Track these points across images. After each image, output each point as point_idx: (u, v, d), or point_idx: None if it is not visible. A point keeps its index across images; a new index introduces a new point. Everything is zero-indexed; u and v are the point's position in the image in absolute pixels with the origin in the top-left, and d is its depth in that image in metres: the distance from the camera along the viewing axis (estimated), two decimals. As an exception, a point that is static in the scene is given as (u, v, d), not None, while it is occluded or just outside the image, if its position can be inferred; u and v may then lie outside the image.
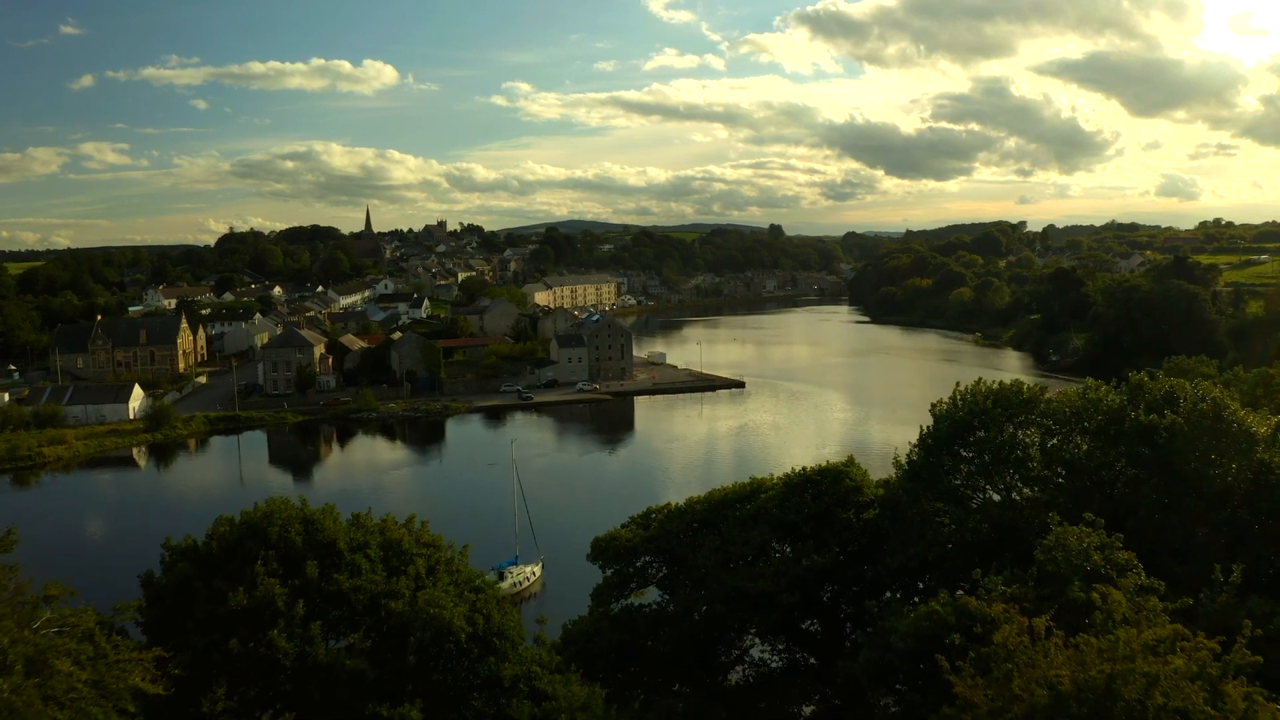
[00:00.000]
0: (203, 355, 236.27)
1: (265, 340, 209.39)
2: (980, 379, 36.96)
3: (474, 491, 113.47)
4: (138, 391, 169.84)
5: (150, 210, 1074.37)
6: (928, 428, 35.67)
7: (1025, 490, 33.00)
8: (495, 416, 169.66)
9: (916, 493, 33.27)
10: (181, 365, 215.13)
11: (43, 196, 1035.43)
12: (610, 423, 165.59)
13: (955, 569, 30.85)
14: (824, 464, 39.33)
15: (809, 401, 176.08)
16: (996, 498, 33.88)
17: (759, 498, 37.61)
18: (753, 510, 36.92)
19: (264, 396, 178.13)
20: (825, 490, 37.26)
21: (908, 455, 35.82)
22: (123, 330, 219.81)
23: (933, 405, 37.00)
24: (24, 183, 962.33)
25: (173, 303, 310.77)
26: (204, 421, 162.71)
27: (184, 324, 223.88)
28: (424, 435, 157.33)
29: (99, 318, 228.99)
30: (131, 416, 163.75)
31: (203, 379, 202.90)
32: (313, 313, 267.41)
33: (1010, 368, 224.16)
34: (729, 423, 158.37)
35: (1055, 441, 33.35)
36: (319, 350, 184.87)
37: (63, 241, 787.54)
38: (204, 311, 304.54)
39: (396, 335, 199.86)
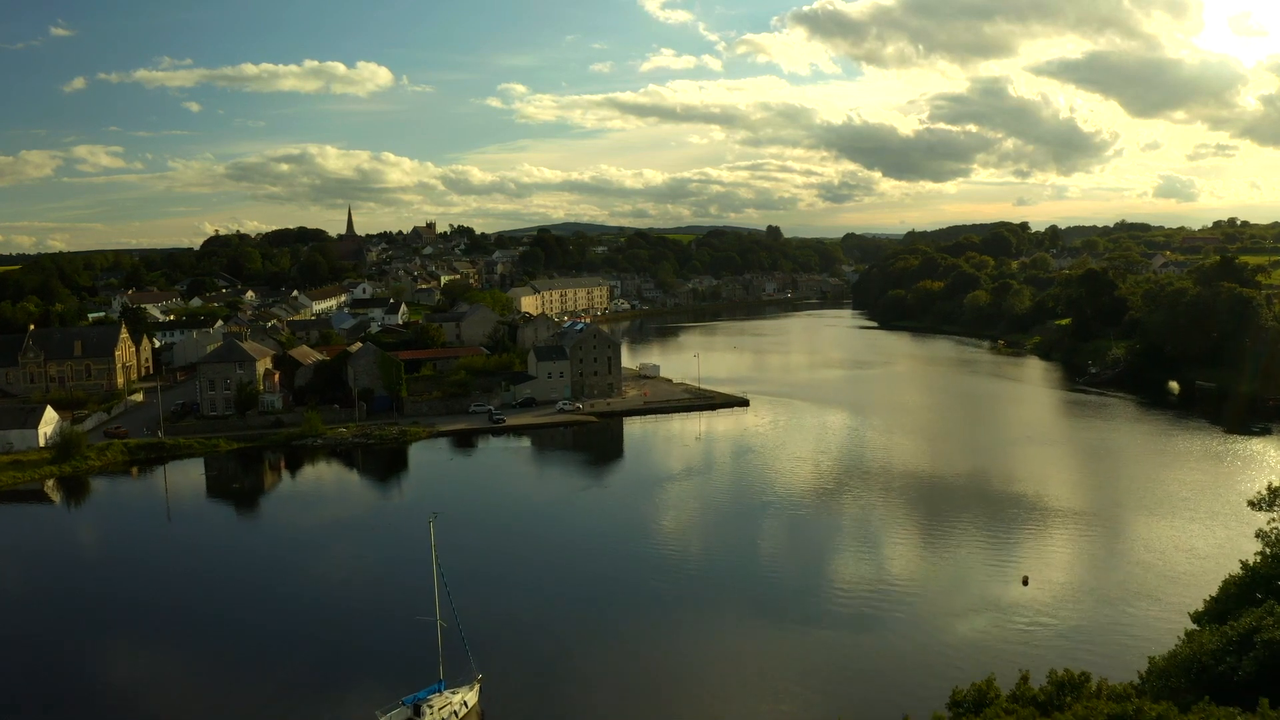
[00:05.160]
0: (147, 368, 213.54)
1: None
2: None
3: (398, 559, 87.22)
4: (50, 414, 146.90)
5: (146, 214, 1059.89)
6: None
7: None
8: (463, 442, 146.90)
9: None
10: (120, 380, 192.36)
11: (38, 200, 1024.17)
12: (594, 450, 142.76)
13: None
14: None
15: (825, 423, 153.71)
16: None
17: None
18: None
19: (200, 419, 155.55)
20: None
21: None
22: (56, 341, 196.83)
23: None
24: (18, 186, 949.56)
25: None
26: (122, 450, 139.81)
27: (124, 334, 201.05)
28: (376, 467, 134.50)
29: (31, 327, 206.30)
30: (42, 444, 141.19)
31: (138, 396, 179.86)
32: (274, 321, 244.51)
33: (1038, 380, 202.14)
34: (734, 451, 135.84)
35: None
36: (263, 365, 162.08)
37: (58, 245, 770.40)
38: (169, 318, 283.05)
39: (356, 346, 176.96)
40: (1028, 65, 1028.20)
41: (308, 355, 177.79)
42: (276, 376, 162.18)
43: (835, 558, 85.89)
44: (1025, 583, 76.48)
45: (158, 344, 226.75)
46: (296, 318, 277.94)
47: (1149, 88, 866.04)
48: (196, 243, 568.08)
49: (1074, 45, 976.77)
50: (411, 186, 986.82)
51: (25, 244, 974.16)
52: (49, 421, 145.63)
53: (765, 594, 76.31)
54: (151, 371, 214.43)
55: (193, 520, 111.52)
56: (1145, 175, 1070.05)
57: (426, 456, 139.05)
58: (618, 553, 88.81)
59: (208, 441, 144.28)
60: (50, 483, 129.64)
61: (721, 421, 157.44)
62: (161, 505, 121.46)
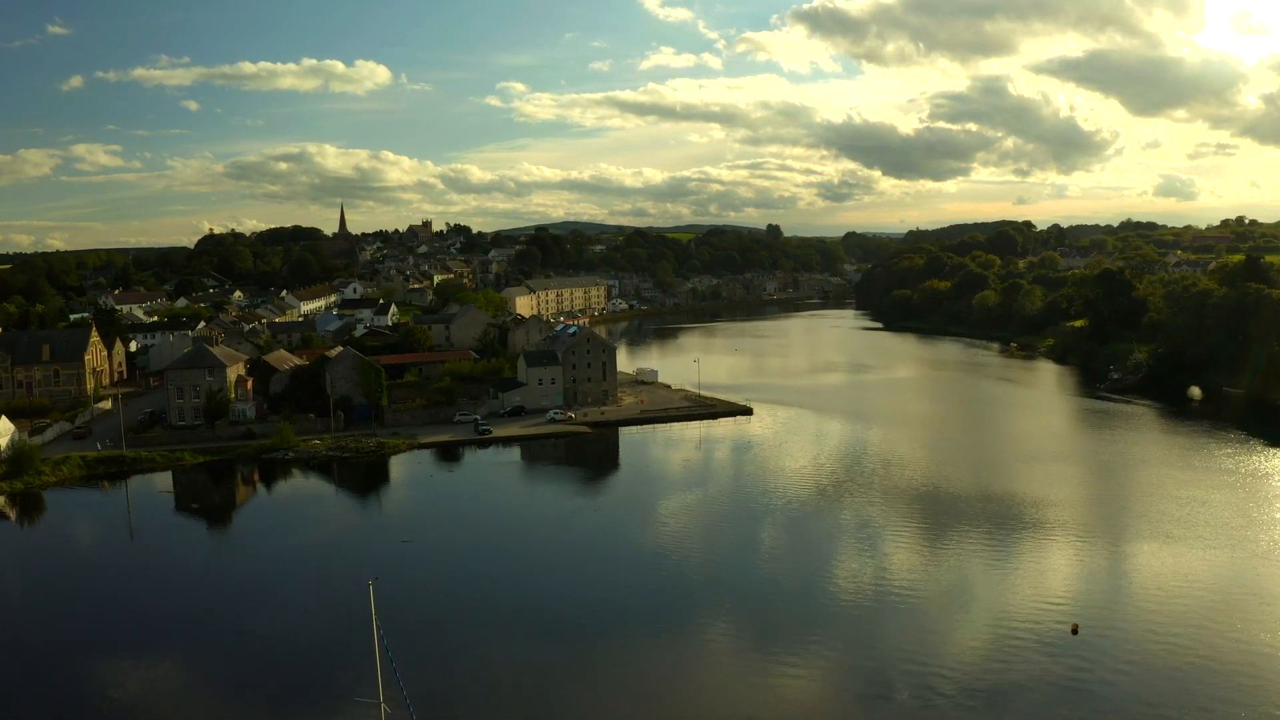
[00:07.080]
0: (121, 373, 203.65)
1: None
2: None
3: (346, 613, 70.03)
4: (5, 424, 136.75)
5: (144, 213, 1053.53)
6: None
7: None
8: (447, 455, 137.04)
9: None
10: (90, 385, 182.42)
11: (37, 199, 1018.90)
12: (588, 465, 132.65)
13: None
14: None
15: (835, 436, 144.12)
16: None
17: None
18: None
19: (167, 429, 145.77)
20: None
21: None
22: (24, 345, 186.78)
23: None
24: (17, 185, 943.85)
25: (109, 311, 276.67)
26: (80, 464, 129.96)
27: (94, 337, 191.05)
28: (350, 483, 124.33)
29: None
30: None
31: (106, 404, 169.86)
32: (255, 323, 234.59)
33: (1056, 386, 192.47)
34: (738, 466, 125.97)
35: None
36: (235, 371, 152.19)
37: (57, 244, 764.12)
38: (153, 319, 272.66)
39: (337, 351, 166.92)
40: (1028, 64, 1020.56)
41: (284, 360, 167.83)
42: (249, 383, 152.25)
43: (857, 600, 75.94)
44: (1075, 631, 66.69)
45: (135, 347, 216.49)
46: (282, 319, 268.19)
47: (1150, 86, 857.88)
48: (194, 242, 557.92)
49: (1075, 43, 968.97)
50: (411, 185, 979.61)
51: (24, 243, 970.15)
52: (4, 432, 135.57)
53: (773, 644, 66.51)
54: (125, 376, 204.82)
55: (127, 554, 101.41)
56: (1145, 174, 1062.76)
57: (406, 472, 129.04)
58: (608, 592, 78.39)
59: (172, 454, 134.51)
60: (2, 500, 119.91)
61: (723, 431, 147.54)
62: (110, 527, 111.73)
